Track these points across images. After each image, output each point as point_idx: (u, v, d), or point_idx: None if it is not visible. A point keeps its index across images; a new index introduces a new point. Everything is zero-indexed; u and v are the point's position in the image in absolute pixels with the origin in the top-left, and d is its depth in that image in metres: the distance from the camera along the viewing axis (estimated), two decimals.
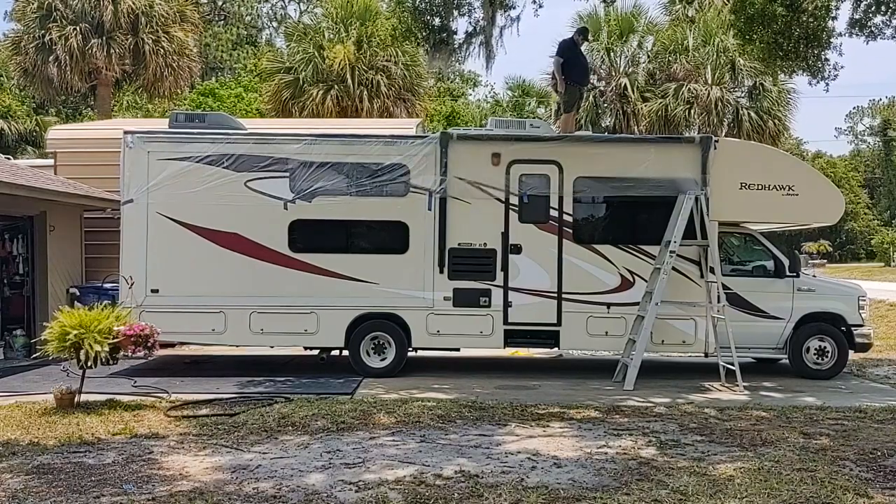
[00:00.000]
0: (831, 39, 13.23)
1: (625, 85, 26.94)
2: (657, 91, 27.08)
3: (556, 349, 12.30)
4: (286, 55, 28.34)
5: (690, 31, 27.21)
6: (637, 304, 11.16)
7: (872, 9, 13.14)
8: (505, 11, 14.37)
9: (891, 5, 12.99)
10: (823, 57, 13.30)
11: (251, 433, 7.90)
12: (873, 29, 13.23)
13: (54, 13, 25.93)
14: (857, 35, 13.34)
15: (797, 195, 11.30)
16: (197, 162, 11.34)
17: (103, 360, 9.11)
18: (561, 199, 11.37)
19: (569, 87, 12.56)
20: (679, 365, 12.98)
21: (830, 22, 13.13)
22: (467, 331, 11.37)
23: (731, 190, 11.25)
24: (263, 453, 7.17)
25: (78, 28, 25.72)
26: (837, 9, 13.14)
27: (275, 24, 49.02)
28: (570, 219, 11.41)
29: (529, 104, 40.05)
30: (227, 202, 11.31)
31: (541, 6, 13.96)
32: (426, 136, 11.76)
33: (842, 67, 13.47)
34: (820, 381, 11.30)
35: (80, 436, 7.73)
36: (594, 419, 8.69)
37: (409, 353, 11.61)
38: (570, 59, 12.47)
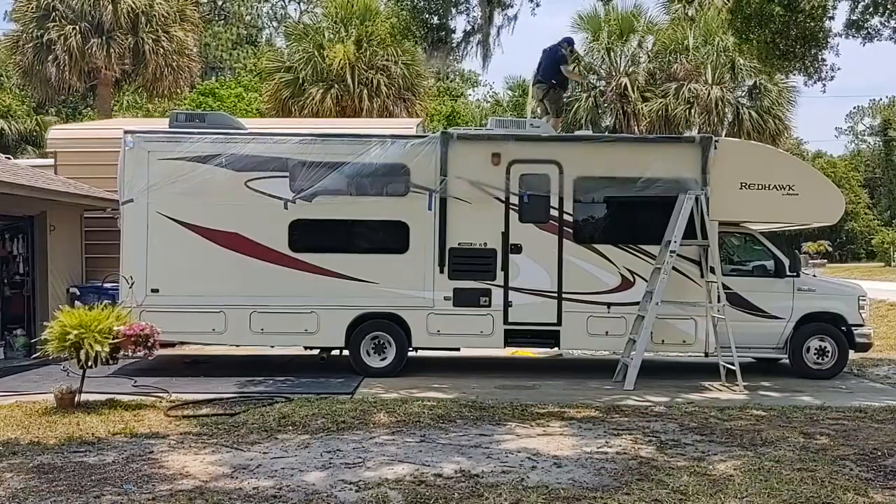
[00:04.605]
0: (828, 40, 13.21)
1: (625, 85, 26.95)
2: (657, 91, 27.09)
3: (556, 349, 12.31)
4: (286, 55, 28.36)
5: (690, 30, 27.22)
6: (637, 303, 11.17)
7: (870, 10, 13.09)
8: (502, 10, 14.39)
9: (888, 7, 12.95)
10: (820, 57, 13.28)
11: (251, 433, 7.90)
12: (870, 31, 13.19)
13: (53, 13, 25.93)
14: (855, 37, 13.30)
15: (797, 195, 11.31)
16: (197, 162, 11.34)
17: (103, 359, 9.11)
18: (561, 198, 11.38)
19: (556, 93, 12.92)
20: (679, 365, 12.98)
21: (827, 22, 13.12)
22: (467, 330, 11.38)
23: (732, 190, 11.26)
24: (263, 453, 7.18)
25: (77, 28, 25.72)
26: (835, 9, 13.13)
27: (275, 23, 49.13)
28: (570, 219, 11.41)
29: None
30: (228, 202, 11.31)
31: (538, 5, 13.98)
32: (426, 136, 11.75)
33: (838, 68, 13.46)
34: (820, 380, 11.30)
35: (81, 435, 7.73)
36: (594, 419, 8.70)
37: (410, 353, 11.62)
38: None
